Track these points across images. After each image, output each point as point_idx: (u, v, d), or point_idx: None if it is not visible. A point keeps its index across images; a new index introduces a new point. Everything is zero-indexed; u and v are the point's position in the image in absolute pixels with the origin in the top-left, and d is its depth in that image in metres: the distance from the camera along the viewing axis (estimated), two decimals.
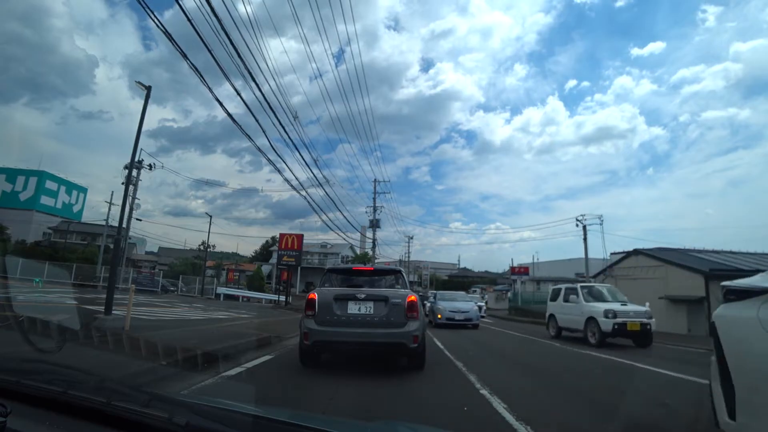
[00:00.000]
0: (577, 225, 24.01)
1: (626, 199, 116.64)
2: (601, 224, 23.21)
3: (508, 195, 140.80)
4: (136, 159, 29.66)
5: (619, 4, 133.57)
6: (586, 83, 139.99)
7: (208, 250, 59.25)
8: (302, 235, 24.00)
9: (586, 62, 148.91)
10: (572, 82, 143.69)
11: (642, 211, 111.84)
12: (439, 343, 9.33)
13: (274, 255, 42.66)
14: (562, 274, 49.22)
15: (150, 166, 29.99)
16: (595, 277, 22.93)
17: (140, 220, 30.82)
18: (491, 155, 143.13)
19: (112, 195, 38.59)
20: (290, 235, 23.86)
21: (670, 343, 13.11)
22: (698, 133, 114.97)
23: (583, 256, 57.37)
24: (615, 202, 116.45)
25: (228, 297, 30.14)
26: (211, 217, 33.82)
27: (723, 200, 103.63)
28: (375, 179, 36.87)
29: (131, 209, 29.84)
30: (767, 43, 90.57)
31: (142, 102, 10.25)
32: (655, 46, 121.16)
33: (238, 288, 36.02)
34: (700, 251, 19.27)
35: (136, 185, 29.48)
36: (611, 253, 53.13)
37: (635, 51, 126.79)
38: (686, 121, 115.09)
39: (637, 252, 19.44)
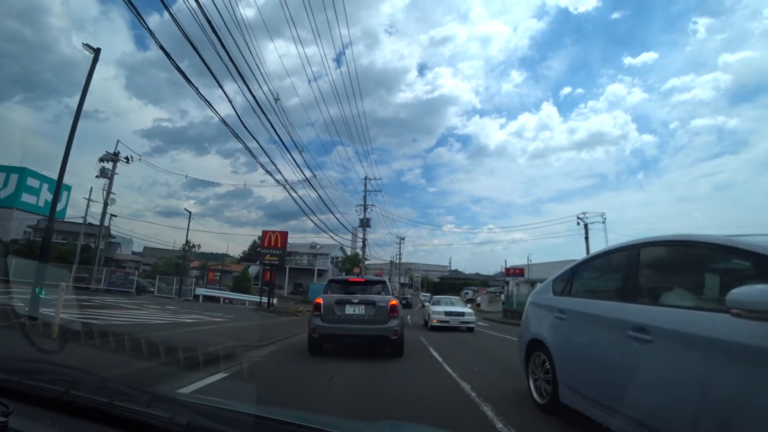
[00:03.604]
0: (578, 223, 22.79)
1: (616, 202, 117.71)
2: (603, 222, 22.01)
3: (500, 198, 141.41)
4: (113, 151, 28.07)
5: (614, 16, 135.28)
6: (580, 90, 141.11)
7: (193, 250, 57.46)
8: (286, 233, 22.38)
9: (581, 70, 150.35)
10: (567, 89, 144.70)
11: (632, 213, 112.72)
12: None
13: None
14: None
15: (127, 159, 28.23)
16: None
17: (115, 216, 29.00)
18: (485, 159, 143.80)
19: (90, 191, 36.67)
20: (273, 232, 22.18)
21: None
22: (686, 139, 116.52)
23: (577, 257, 56.78)
24: (605, 205, 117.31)
25: (208, 299, 28.34)
26: (190, 213, 32.02)
27: (710, 204, 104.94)
28: (366, 177, 35.58)
29: (105, 205, 28.10)
30: (754, 55, 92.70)
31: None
32: (648, 56, 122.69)
33: (219, 289, 34.14)
34: None
35: (111, 178, 27.73)
36: None
37: (628, 60, 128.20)
38: (675, 127, 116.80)
39: None
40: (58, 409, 1.22)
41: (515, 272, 39.46)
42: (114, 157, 27.42)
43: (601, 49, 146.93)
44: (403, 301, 50.48)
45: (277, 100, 14.17)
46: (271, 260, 21.79)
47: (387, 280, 8.84)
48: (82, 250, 43.25)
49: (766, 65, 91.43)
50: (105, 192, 27.20)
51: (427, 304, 18.77)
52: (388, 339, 7.05)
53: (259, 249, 57.70)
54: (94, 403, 1.20)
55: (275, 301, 33.26)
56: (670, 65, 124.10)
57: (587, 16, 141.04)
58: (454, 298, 18.67)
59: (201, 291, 28.25)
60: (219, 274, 41.63)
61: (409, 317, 24.55)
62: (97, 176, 26.98)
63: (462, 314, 14.59)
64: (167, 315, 14.08)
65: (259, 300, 24.57)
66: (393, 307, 7.13)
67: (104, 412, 1.17)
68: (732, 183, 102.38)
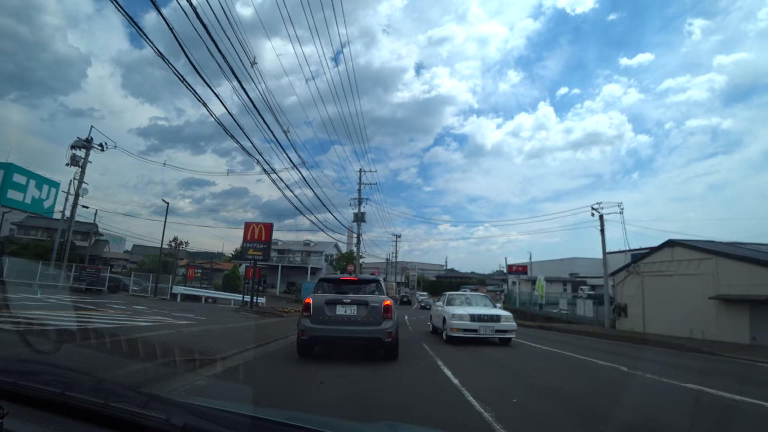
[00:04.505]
0: (592, 214, 20.78)
1: (611, 202, 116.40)
2: (621, 213, 19.97)
3: (496, 197, 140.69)
4: (86, 137, 25.81)
5: (611, 17, 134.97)
6: (576, 90, 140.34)
7: (180, 247, 55.11)
8: (271, 224, 20.06)
9: (577, 71, 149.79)
10: (563, 90, 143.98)
11: (627, 213, 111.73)
12: None
13: None
14: (557, 274, 46.56)
15: (101, 146, 25.91)
16: (614, 274, 19.77)
17: (86, 207, 26.75)
18: (482, 158, 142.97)
19: (70, 184, 34.25)
20: (257, 224, 19.88)
21: (733, 356, 9.99)
22: (681, 139, 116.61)
23: (576, 255, 54.96)
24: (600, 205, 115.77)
25: (189, 298, 26.04)
26: (168, 203, 29.63)
27: (704, 203, 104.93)
28: (360, 168, 33.52)
29: (76, 195, 25.77)
30: (748, 56, 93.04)
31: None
32: (644, 57, 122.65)
33: (202, 287, 31.76)
34: (745, 244, 16.22)
35: (84, 167, 25.42)
36: (605, 253, 50.40)
37: (624, 61, 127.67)
38: (670, 128, 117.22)
39: (672, 243, 16.23)
40: (53, 410, 1.20)
41: (518, 270, 37.63)
42: (86, 144, 25.15)
43: (598, 50, 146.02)
44: (404, 299, 48.78)
45: (253, 64, 12.14)
46: (255, 255, 19.62)
47: (381, 279, 8.28)
48: (64, 247, 41.19)
49: (760, 66, 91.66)
50: (76, 181, 24.92)
51: (437, 304, 12.84)
52: (382, 341, 6.64)
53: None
54: (89, 404, 1.19)
55: (264, 300, 31.05)
56: (666, 66, 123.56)
57: (584, 17, 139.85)
58: (477, 294, 13.62)
59: (179, 289, 25.88)
60: (200, 271, 39.16)
61: (406, 317, 22.58)
62: (67, 164, 24.67)
63: (496, 318, 10.07)
64: (125, 317, 11.96)
65: (241, 299, 22.40)
66: (387, 308, 6.73)
67: (100, 413, 1.16)
68: (726, 183, 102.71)
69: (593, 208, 20.58)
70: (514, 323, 10.41)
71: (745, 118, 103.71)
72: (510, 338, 10.38)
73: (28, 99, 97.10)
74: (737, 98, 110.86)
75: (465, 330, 9.81)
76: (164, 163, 69.61)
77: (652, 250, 17.62)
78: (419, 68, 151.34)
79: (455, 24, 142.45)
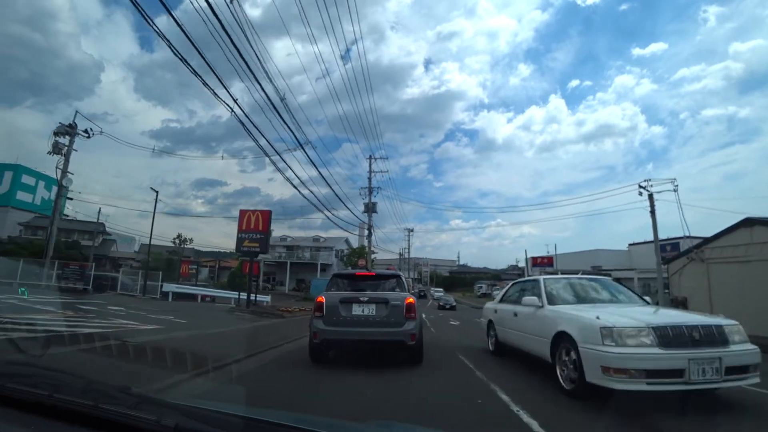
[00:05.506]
0: (640, 194, 17.91)
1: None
2: (675, 191, 17.09)
3: (507, 191, 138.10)
4: (70, 122, 23.70)
5: (622, 7, 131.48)
6: (588, 82, 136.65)
7: (185, 245, 53.35)
8: (269, 212, 17.60)
9: (588, 62, 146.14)
10: (575, 82, 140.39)
11: (640, 206, 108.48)
12: None
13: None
14: (579, 267, 43.51)
15: (87, 132, 23.78)
16: (669, 262, 16.90)
17: (71, 198, 24.73)
18: (493, 153, 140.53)
19: (60, 179, 32.29)
20: (254, 212, 17.38)
21: None
22: (696, 129, 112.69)
23: (597, 248, 51.63)
24: (612, 198, 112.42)
25: (185, 296, 23.81)
26: (157, 192, 27.50)
27: (720, 194, 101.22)
28: (371, 155, 31.03)
29: (60, 187, 23.71)
30: (765, 43, 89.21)
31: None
32: (657, 47, 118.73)
33: (196, 284, 29.58)
34: None
35: (68, 156, 23.32)
36: (630, 244, 46.88)
37: (637, 51, 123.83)
38: (685, 118, 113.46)
39: (751, 222, 13.31)
40: (42, 412, 1.18)
41: (542, 262, 34.81)
42: (70, 130, 23.02)
43: (609, 40, 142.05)
44: (422, 293, 46.76)
45: (232, 1, 9.67)
46: (251, 246, 17.23)
47: (402, 274, 7.81)
48: (70, 246, 39.71)
49: None
50: (59, 171, 22.81)
51: (526, 300, 5.82)
52: (405, 345, 5.90)
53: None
54: (79, 406, 1.16)
55: (269, 299, 28.77)
56: (680, 55, 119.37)
57: (594, 7, 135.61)
58: (598, 279, 6.36)
59: (171, 287, 23.71)
60: (195, 267, 37.08)
61: (423, 315, 20.15)
62: (49, 152, 22.57)
63: (720, 338, 3.96)
64: (82, 321, 9.69)
65: (238, 297, 20.02)
66: (410, 306, 6.00)
67: (89, 414, 1.14)
68: (743, 172, 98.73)
69: (641, 186, 17.72)
70: (753, 346, 4.13)
71: (762, 106, 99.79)
72: (737, 382, 4.06)
73: (43, 105, 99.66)
74: (754, 86, 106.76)
75: (650, 373, 3.75)
76: (153, 149, 68.94)
77: (731, 228, 14.32)
78: (428, 64, 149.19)
79: (464, 18, 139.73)
